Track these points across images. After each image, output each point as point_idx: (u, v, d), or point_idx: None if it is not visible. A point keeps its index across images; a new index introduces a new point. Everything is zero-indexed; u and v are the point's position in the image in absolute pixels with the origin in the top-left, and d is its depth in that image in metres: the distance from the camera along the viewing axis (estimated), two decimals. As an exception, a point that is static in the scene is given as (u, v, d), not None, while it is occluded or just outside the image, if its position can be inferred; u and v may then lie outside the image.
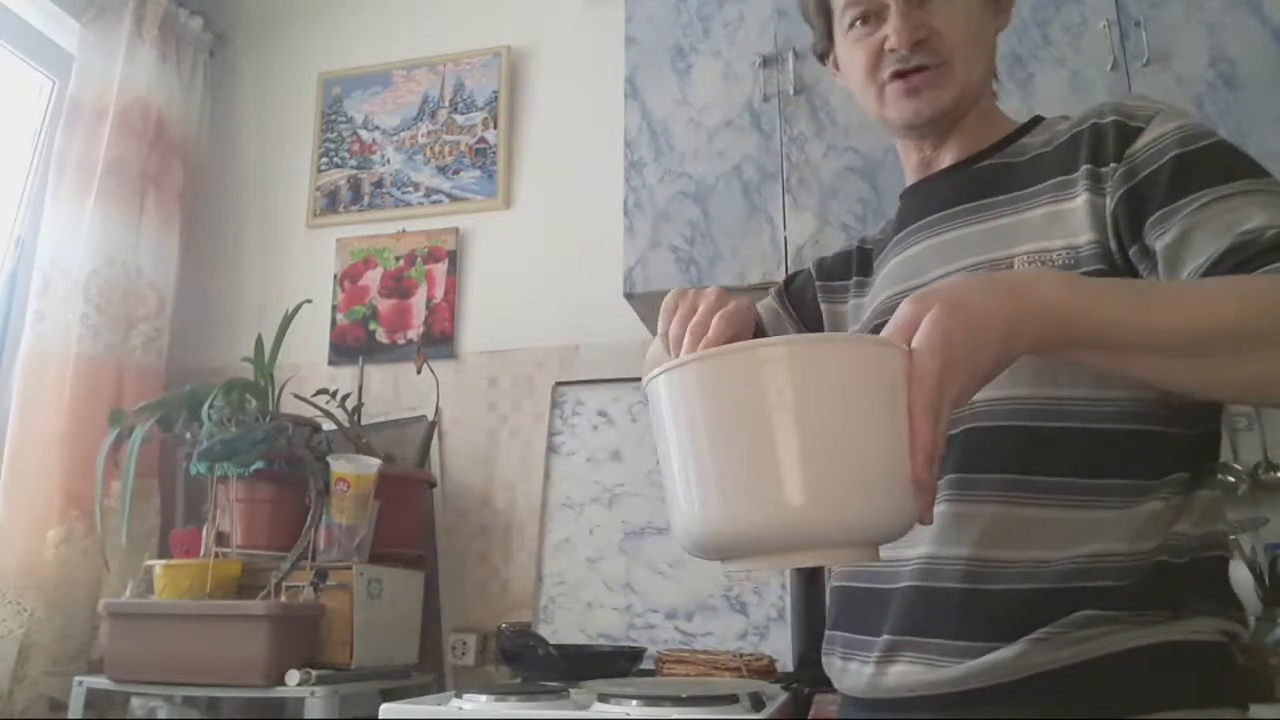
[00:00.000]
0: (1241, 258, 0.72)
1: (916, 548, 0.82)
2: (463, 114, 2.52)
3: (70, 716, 1.75)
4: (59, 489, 2.03)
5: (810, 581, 1.91)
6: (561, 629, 2.03)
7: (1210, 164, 0.79)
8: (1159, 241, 0.77)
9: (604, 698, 1.37)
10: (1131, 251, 0.79)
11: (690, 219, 1.91)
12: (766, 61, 1.94)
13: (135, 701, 1.77)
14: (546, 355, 2.30)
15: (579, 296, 2.30)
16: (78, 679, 1.78)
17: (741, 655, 1.75)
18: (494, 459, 2.27)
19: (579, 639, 2.00)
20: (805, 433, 0.56)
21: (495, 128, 2.48)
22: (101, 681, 1.76)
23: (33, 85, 2.38)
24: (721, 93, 1.96)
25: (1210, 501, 0.80)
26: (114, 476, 1.94)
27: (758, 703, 1.38)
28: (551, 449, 2.21)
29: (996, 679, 0.76)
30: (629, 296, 1.93)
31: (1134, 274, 0.80)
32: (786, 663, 1.82)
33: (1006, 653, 0.75)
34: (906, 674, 0.80)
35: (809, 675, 1.61)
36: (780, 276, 1.83)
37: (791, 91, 1.90)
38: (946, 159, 0.97)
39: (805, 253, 1.83)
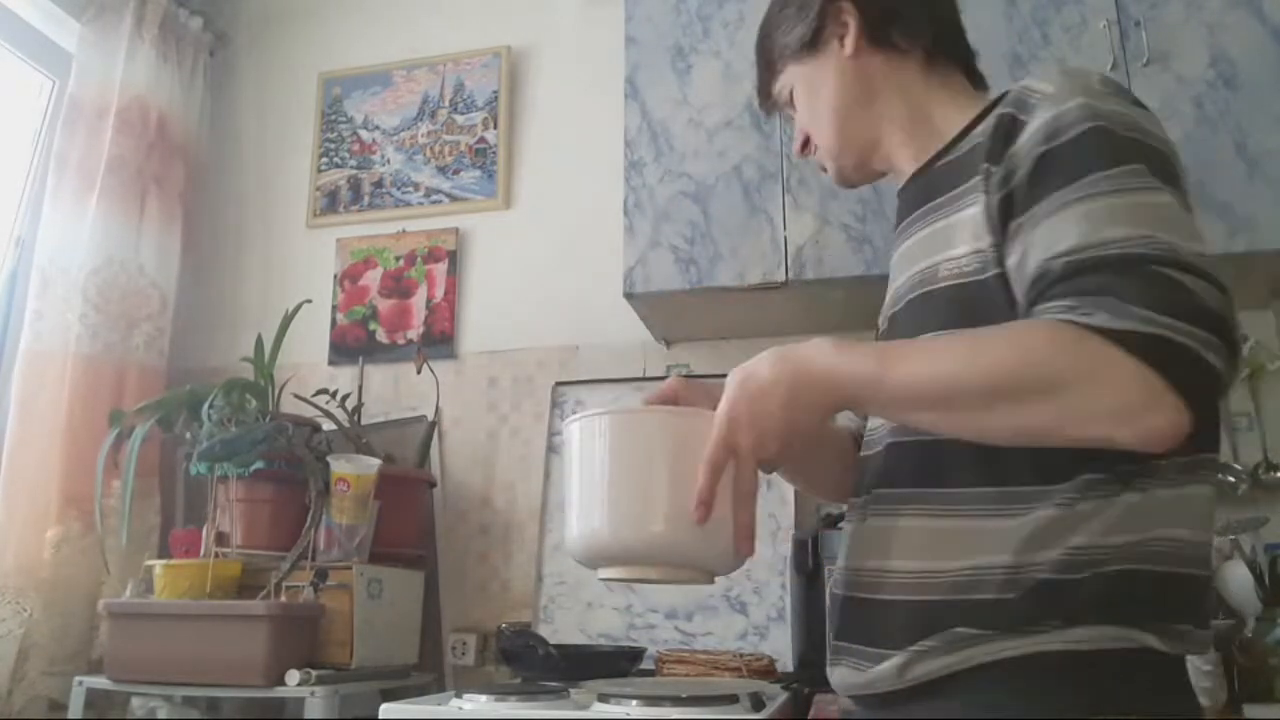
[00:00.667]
0: (1037, 292, 0.72)
1: (845, 559, 0.89)
2: (463, 114, 2.52)
3: (70, 716, 1.75)
4: (58, 489, 2.03)
5: (810, 582, 1.91)
6: (561, 629, 2.03)
7: (1065, 165, 0.75)
8: (1009, 261, 0.77)
9: (604, 698, 1.37)
10: (1007, 264, 0.78)
11: (690, 219, 1.91)
12: (766, 61, 1.93)
13: (135, 701, 1.77)
14: (546, 355, 2.30)
15: (579, 296, 2.29)
16: (78, 679, 1.78)
17: (741, 655, 1.75)
18: (494, 459, 2.27)
19: (579, 639, 2.00)
20: (639, 478, 0.77)
21: (495, 128, 2.48)
22: (101, 681, 1.76)
23: (33, 85, 2.38)
24: (721, 93, 1.96)
25: (1131, 508, 0.73)
26: (114, 476, 1.94)
27: (758, 703, 1.38)
28: (551, 449, 2.21)
29: (890, 686, 0.79)
30: (629, 296, 1.93)
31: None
32: (786, 663, 1.82)
33: (894, 662, 0.78)
34: (844, 676, 0.86)
35: (809, 675, 1.61)
36: (780, 276, 1.83)
37: (791, 91, 1.90)
38: (909, 168, 0.97)
39: (805, 253, 1.83)
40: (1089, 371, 0.64)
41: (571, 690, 1.50)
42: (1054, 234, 0.71)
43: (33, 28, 2.33)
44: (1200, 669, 1.34)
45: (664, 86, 2.00)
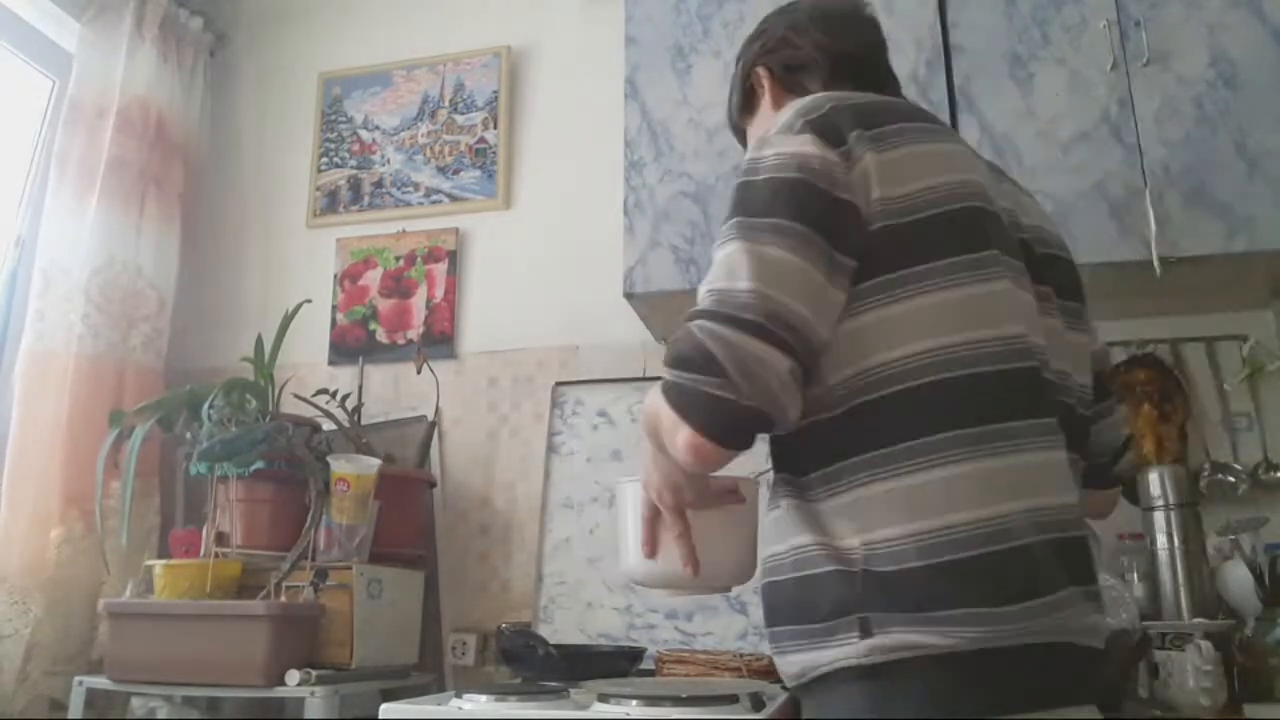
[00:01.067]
0: None
1: None
2: (463, 114, 2.52)
3: (70, 716, 1.75)
4: (61, 489, 2.03)
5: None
6: (561, 629, 2.03)
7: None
8: None
9: (604, 698, 1.37)
10: None
11: (690, 219, 1.91)
12: (766, 61, 1.93)
13: (135, 701, 1.77)
14: (546, 355, 2.30)
15: (579, 296, 2.29)
16: (78, 679, 1.77)
17: (741, 655, 1.75)
18: (494, 459, 2.27)
19: (579, 639, 2.00)
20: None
21: (495, 128, 2.48)
22: (101, 681, 1.76)
23: (33, 85, 2.38)
24: (721, 93, 1.93)
25: (865, 503, 0.81)
26: (114, 476, 1.94)
27: (758, 703, 1.38)
28: (551, 449, 2.21)
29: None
30: (629, 296, 1.93)
31: None
32: (786, 663, 1.82)
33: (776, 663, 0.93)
34: None
35: (809, 675, 1.61)
36: (780, 276, 1.83)
37: (791, 91, 1.90)
38: None
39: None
40: (656, 415, 0.85)
41: (571, 690, 1.50)
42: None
43: (33, 28, 2.33)
44: (1200, 669, 1.34)
45: (664, 86, 2.00)
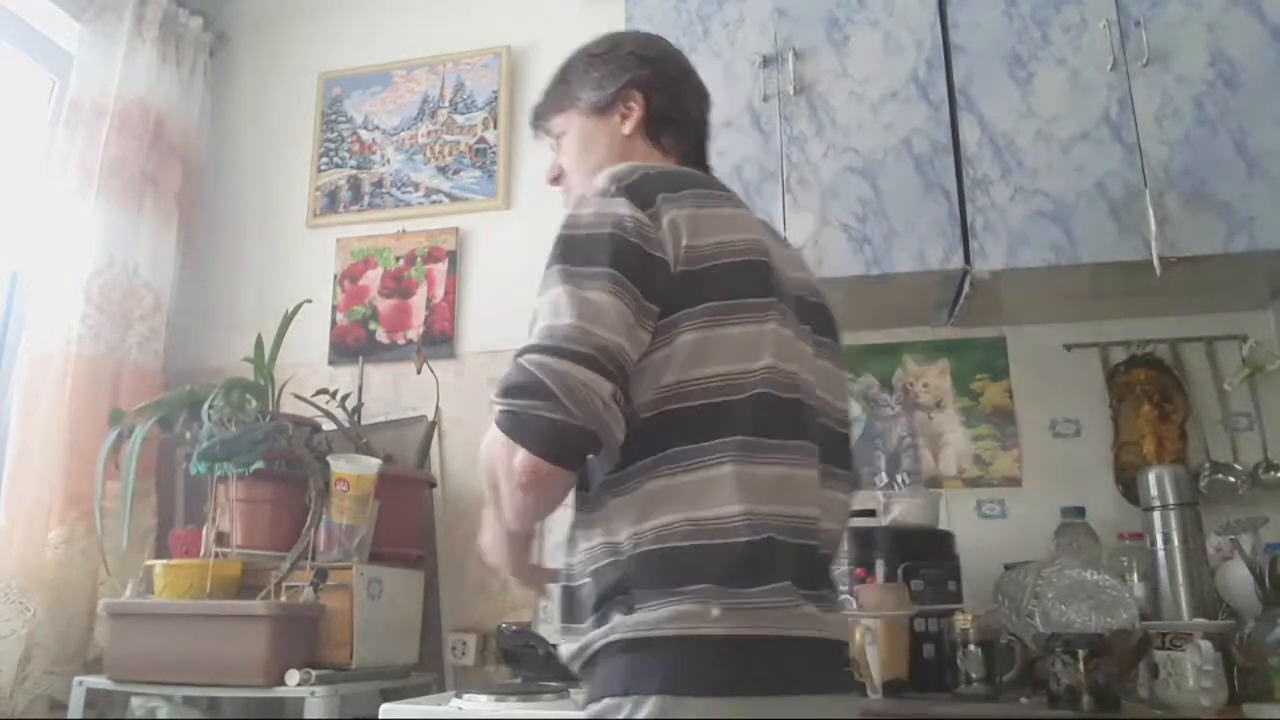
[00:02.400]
0: None
1: None
2: (463, 114, 2.52)
3: (70, 717, 1.75)
4: (61, 489, 2.03)
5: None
6: (561, 629, 2.03)
7: None
8: None
9: (604, 698, 1.36)
10: None
11: (690, 219, 1.90)
12: (766, 61, 1.94)
13: (135, 701, 1.77)
14: (546, 355, 2.29)
15: (579, 296, 2.29)
16: (77, 679, 1.78)
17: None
18: (494, 459, 2.26)
19: (579, 639, 2.00)
20: None
21: (495, 128, 2.48)
22: (101, 681, 1.76)
23: (34, 86, 2.38)
24: (721, 93, 1.94)
25: (635, 499, 0.93)
26: (112, 477, 1.93)
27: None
28: (551, 449, 2.20)
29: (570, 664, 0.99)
30: (629, 296, 1.92)
31: None
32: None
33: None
34: None
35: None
36: (780, 276, 1.84)
37: (791, 91, 1.90)
38: None
39: (805, 253, 1.82)
40: (490, 444, 0.97)
41: (571, 690, 1.50)
42: None
43: (33, 28, 2.33)
44: (1200, 669, 1.34)
45: (664, 86, 1.99)
